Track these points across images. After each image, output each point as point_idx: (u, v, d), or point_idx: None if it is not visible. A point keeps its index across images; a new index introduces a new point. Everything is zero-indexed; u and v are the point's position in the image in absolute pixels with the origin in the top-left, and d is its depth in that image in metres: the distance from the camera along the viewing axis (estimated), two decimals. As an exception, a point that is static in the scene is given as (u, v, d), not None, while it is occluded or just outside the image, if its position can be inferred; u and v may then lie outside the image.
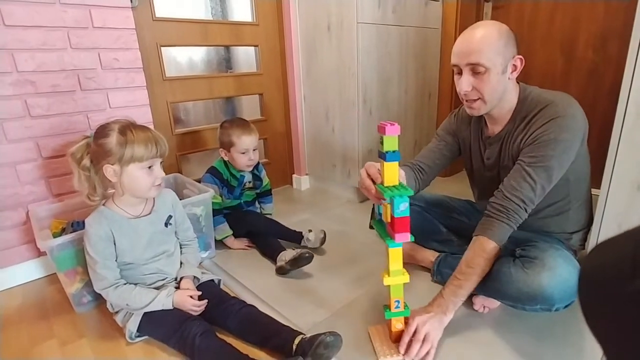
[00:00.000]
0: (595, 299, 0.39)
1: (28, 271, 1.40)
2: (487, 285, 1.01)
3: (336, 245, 1.58)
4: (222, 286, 1.25)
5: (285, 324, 1.04)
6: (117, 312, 1.10)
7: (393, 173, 0.87)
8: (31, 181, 1.36)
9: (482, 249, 0.98)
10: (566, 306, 0.96)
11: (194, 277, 1.17)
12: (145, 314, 1.04)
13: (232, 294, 1.19)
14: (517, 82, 1.07)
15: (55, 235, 1.22)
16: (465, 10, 2.20)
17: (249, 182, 1.66)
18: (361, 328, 1.08)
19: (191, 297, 1.08)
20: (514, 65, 0.99)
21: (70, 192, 1.42)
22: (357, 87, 1.86)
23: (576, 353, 0.98)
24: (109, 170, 1.00)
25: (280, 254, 1.37)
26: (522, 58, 1.00)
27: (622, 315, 0.35)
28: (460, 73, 1.01)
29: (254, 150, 1.57)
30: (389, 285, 0.95)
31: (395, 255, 0.92)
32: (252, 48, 2.03)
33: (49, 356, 1.04)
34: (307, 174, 2.31)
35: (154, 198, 1.13)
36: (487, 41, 0.95)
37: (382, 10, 1.87)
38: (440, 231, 1.34)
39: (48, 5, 1.30)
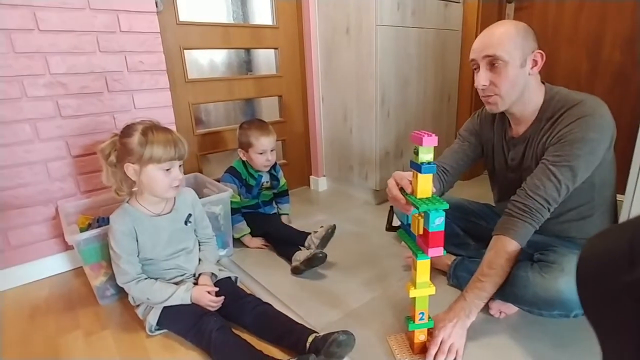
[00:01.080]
0: (592, 290, 0.39)
1: (56, 264, 1.46)
2: (504, 289, 0.99)
3: (352, 247, 1.59)
4: (238, 283, 1.28)
5: (300, 322, 1.05)
6: (138, 306, 1.14)
7: (427, 185, 0.84)
8: (60, 178, 1.42)
9: (504, 250, 0.96)
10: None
11: (212, 273, 1.20)
12: (164, 308, 1.08)
13: (248, 292, 1.22)
14: (543, 83, 1.05)
15: (82, 230, 1.27)
16: (487, 12, 2.17)
17: (267, 182, 1.69)
18: (376, 331, 1.08)
19: (209, 292, 1.11)
20: (534, 60, 0.98)
21: (97, 189, 1.48)
22: (375, 88, 1.87)
23: (595, 358, 0.95)
24: (130, 168, 1.04)
25: (295, 253, 1.39)
26: (543, 53, 0.98)
27: (618, 307, 0.35)
28: (478, 69, 1.01)
29: (271, 151, 1.59)
30: (414, 297, 0.93)
31: (423, 268, 0.91)
32: (272, 50, 2.06)
33: (74, 346, 1.09)
34: (324, 176, 2.33)
35: (174, 197, 1.17)
36: (505, 35, 0.96)
37: (402, 12, 1.87)
38: (458, 234, 1.33)
39: (79, 10, 1.36)
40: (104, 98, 1.48)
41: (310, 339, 0.95)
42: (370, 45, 1.82)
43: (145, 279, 1.10)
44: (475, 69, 1.02)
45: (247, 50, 2.00)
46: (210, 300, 1.09)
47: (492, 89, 1.00)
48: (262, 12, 2.00)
